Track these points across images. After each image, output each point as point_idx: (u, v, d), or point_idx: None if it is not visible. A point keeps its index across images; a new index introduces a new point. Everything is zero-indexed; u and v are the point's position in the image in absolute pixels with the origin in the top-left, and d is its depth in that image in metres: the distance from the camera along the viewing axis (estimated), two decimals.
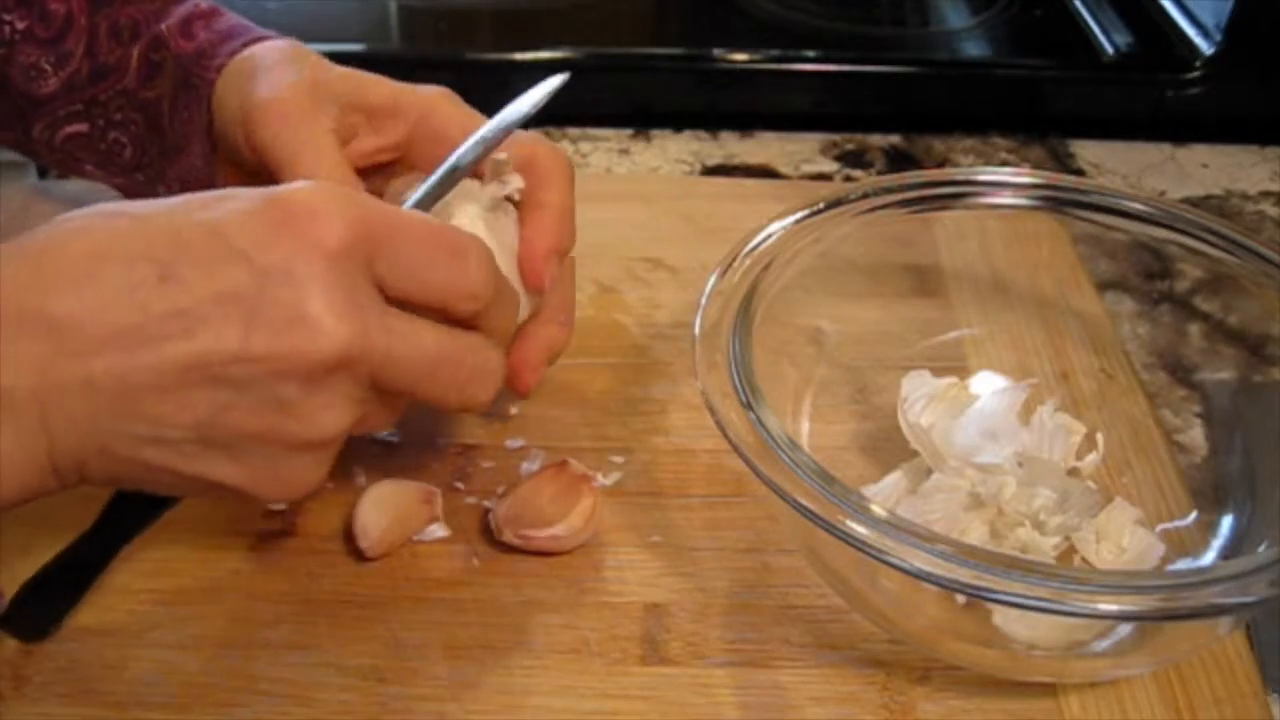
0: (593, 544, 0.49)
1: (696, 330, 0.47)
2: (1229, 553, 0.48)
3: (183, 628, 0.46)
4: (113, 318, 0.35)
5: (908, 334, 0.59)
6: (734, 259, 0.50)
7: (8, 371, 0.34)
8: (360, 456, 0.53)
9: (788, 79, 0.83)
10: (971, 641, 0.45)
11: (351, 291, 0.37)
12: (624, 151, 0.79)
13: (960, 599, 0.45)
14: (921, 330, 0.59)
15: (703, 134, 0.81)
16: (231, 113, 0.51)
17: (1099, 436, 0.52)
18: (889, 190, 0.54)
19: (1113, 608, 0.37)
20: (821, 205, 0.53)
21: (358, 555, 0.48)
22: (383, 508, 0.49)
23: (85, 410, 0.35)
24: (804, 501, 0.40)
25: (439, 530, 0.50)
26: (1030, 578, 0.37)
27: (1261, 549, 0.45)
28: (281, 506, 0.51)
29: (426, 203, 0.45)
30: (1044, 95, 0.83)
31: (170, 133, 0.54)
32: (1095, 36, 0.84)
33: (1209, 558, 0.48)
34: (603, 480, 0.52)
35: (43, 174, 0.77)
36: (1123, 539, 0.48)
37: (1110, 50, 0.83)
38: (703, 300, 0.48)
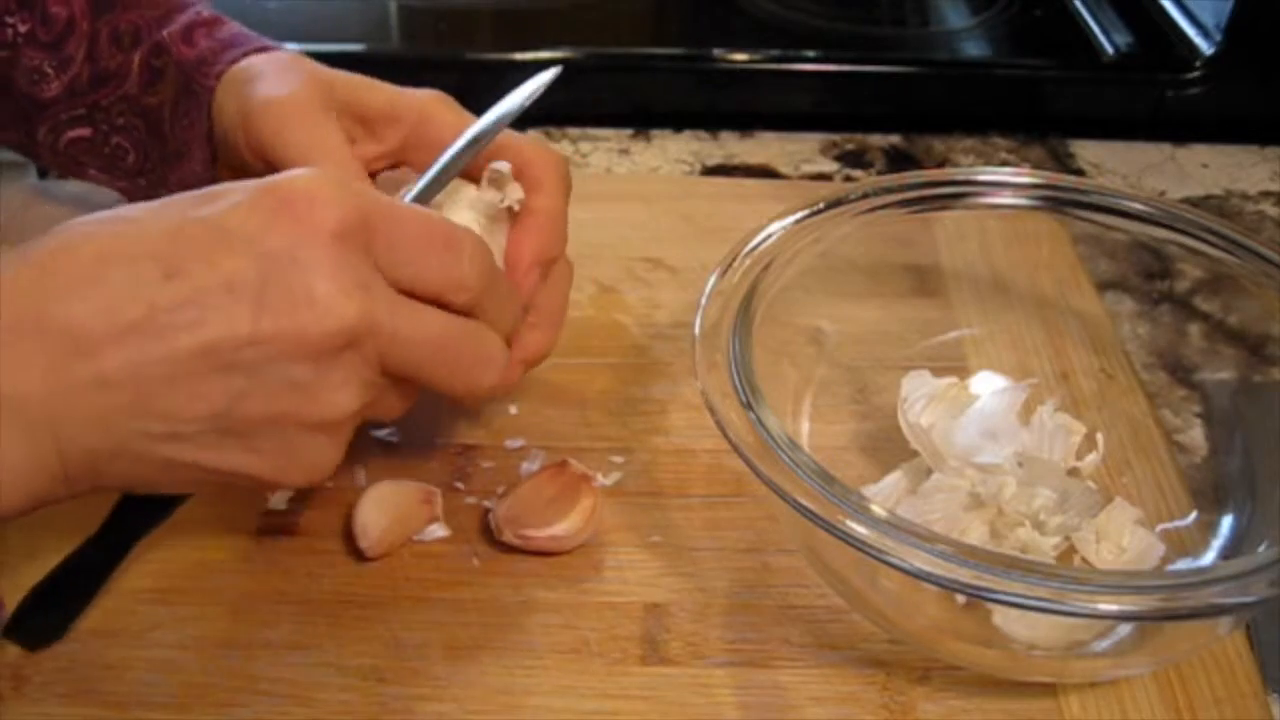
0: (593, 544, 0.49)
1: (696, 330, 0.47)
2: (1229, 553, 0.48)
3: (183, 628, 0.46)
4: (121, 316, 0.35)
5: (908, 334, 0.59)
6: (734, 259, 0.50)
7: (10, 379, 0.34)
8: (360, 456, 0.53)
9: (788, 79, 0.83)
10: (971, 641, 0.45)
11: (356, 272, 0.38)
12: (624, 151, 0.79)
13: (960, 599, 0.45)
14: (921, 330, 0.59)
15: (703, 134, 0.81)
16: (231, 118, 0.51)
17: (1099, 436, 0.52)
18: (889, 190, 0.54)
19: (1113, 608, 0.37)
20: (821, 205, 0.53)
21: (358, 555, 0.48)
22: (383, 508, 0.49)
23: (99, 411, 0.35)
24: (804, 501, 0.40)
25: (439, 530, 0.50)
26: (1030, 578, 0.37)
27: (1261, 549, 0.45)
28: (282, 506, 0.51)
29: (423, 197, 0.46)
30: (1044, 95, 0.83)
31: (171, 139, 0.54)
32: (1095, 36, 0.84)
33: (1209, 558, 0.48)
34: (603, 480, 0.52)
35: (43, 174, 0.77)
36: (1123, 539, 0.48)
37: (1110, 50, 0.83)
38: (703, 300, 0.48)
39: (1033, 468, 0.49)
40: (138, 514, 0.44)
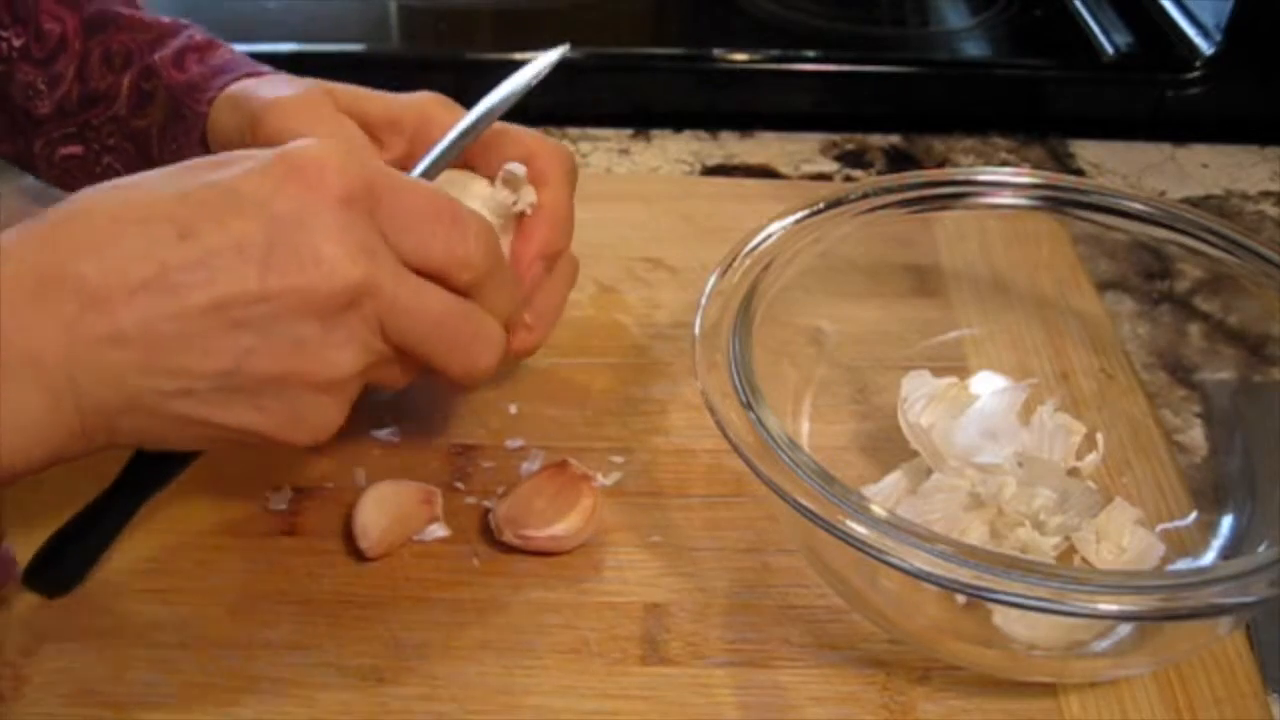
0: (593, 544, 0.49)
1: (696, 330, 0.47)
2: (1229, 553, 0.48)
3: (183, 628, 0.46)
4: (134, 274, 0.36)
5: (908, 334, 0.59)
6: (734, 259, 0.50)
7: (36, 335, 0.36)
8: (360, 456, 0.53)
9: (788, 79, 0.83)
10: (971, 641, 0.45)
11: (363, 236, 0.39)
12: (624, 151, 0.79)
13: (960, 599, 0.45)
14: (921, 330, 0.59)
15: (703, 134, 0.81)
16: (231, 132, 0.51)
17: (1099, 436, 0.52)
18: (889, 190, 0.54)
19: (1113, 608, 0.37)
20: (821, 205, 0.53)
21: (358, 555, 0.48)
22: (383, 508, 0.49)
23: (114, 366, 0.37)
24: (804, 501, 0.40)
25: (439, 530, 0.50)
26: (1030, 578, 0.37)
27: (1261, 549, 0.45)
28: (283, 506, 0.51)
29: (430, 173, 0.47)
30: (1044, 95, 0.83)
31: (160, 162, 0.54)
32: (1095, 36, 0.84)
33: (1209, 558, 0.48)
34: (603, 480, 0.52)
35: None
36: (1123, 539, 0.48)
37: (1110, 50, 0.83)
38: (703, 300, 0.48)
39: (1033, 468, 0.49)
40: (151, 470, 0.45)
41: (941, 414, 0.52)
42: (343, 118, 0.50)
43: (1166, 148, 0.81)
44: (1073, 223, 0.56)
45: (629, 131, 0.81)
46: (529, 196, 0.49)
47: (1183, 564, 0.48)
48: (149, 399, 0.38)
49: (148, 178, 0.39)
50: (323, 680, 0.44)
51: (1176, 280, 0.58)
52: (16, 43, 0.56)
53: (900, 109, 0.83)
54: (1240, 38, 0.79)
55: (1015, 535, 0.47)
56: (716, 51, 0.83)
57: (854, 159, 0.79)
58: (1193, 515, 0.51)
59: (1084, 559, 0.48)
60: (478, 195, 0.48)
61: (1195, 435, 0.55)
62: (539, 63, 0.50)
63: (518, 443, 0.54)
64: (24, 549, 0.45)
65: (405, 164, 0.51)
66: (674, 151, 0.79)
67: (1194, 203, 0.74)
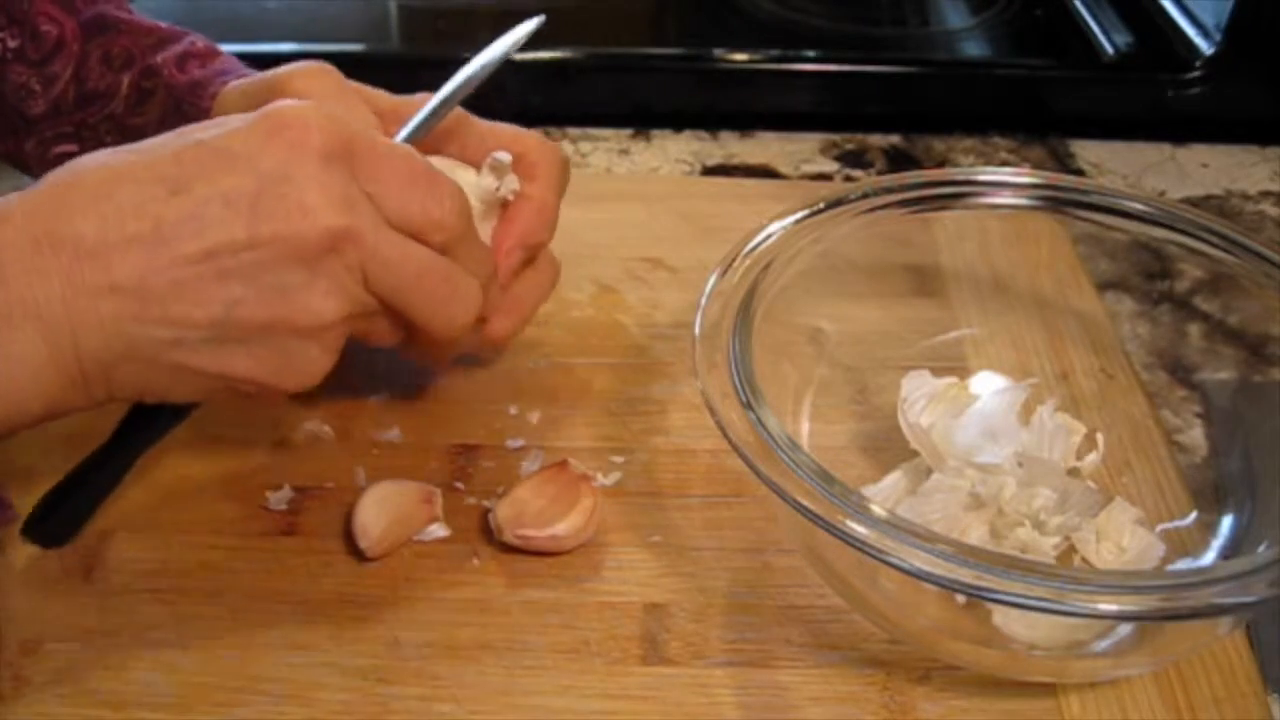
0: (593, 544, 0.49)
1: (696, 330, 0.47)
2: (1229, 553, 0.48)
3: (183, 628, 0.46)
4: (130, 228, 0.38)
5: (908, 334, 0.59)
6: (734, 259, 0.50)
7: (39, 288, 0.37)
8: (360, 456, 0.53)
9: (788, 79, 0.83)
10: (971, 641, 0.45)
11: (345, 189, 0.41)
12: (624, 151, 0.79)
13: (960, 599, 0.45)
14: (921, 330, 0.59)
15: (703, 134, 0.81)
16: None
17: (1099, 436, 0.52)
18: (889, 190, 0.54)
19: (1113, 608, 0.37)
20: (821, 205, 0.53)
21: (358, 555, 0.48)
22: (383, 508, 0.49)
23: (111, 315, 0.38)
24: (804, 501, 0.40)
25: (439, 530, 0.50)
26: (1030, 578, 0.37)
27: (1261, 549, 0.45)
28: (283, 506, 0.51)
29: (412, 139, 0.48)
30: (1044, 95, 0.83)
31: None
32: (1095, 36, 0.84)
33: (1209, 558, 0.48)
34: (603, 480, 0.52)
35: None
36: (1123, 539, 0.48)
37: (1110, 50, 0.83)
38: (703, 300, 0.48)
39: (1033, 468, 0.49)
40: (147, 423, 0.45)
41: (941, 414, 0.52)
42: (352, 92, 0.50)
43: (1166, 148, 0.81)
44: (1073, 223, 0.56)
45: (629, 131, 0.81)
46: (512, 183, 0.50)
47: (1183, 564, 0.48)
48: (145, 348, 0.39)
49: (141, 144, 0.41)
50: (323, 680, 0.44)
51: (1176, 280, 0.58)
52: (12, 44, 0.56)
53: (900, 109, 0.83)
54: (1240, 38, 0.79)
55: (1015, 535, 0.47)
56: (716, 51, 0.83)
57: (854, 159, 0.79)
58: (1193, 515, 0.51)
59: (1084, 559, 0.48)
60: (465, 182, 0.48)
61: (1195, 435, 0.55)
62: (516, 32, 0.51)
63: (518, 443, 0.54)
64: (23, 504, 0.46)
65: None
66: (674, 151, 0.79)
67: (1194, 203, 0.74)
